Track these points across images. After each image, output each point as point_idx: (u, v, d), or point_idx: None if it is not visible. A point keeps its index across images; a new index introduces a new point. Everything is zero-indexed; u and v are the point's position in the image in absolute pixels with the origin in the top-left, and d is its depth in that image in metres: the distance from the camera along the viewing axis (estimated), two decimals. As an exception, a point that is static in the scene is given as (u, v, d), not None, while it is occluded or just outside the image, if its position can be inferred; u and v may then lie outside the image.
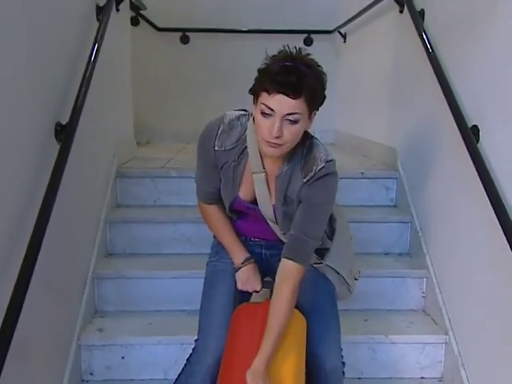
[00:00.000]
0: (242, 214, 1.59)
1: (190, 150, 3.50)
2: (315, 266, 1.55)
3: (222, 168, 1.48)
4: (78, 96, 1.74)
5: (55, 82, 1.71)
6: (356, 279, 1.67)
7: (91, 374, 1.94)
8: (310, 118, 1.34)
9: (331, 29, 3.93)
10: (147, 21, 3.83)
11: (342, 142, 3.83)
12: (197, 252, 2.30)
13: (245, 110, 1.49)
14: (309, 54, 1.32)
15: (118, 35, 2.65)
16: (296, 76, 1.24)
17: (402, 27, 2.62)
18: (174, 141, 3.91)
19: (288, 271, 1.40)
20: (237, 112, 1.48)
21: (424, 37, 2.16)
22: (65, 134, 1.64)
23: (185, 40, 4.05)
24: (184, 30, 4.02)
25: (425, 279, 2.19)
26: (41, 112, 1.59)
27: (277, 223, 1.50)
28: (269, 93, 1.26)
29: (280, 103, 1.25)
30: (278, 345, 1.32)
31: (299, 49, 1.32)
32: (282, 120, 1.27)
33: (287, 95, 1.24)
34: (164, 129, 4.06)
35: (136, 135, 3.40)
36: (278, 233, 1.54)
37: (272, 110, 1.26)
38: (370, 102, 3.25)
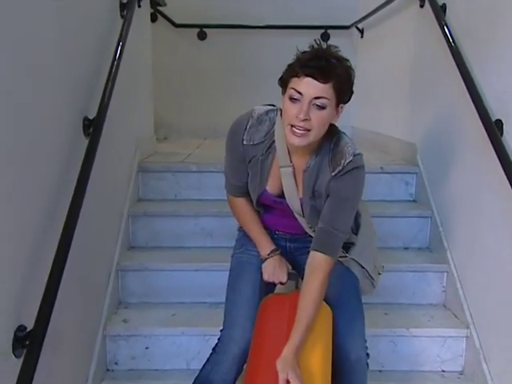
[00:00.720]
0: (269, 208, 1.62)
1: (208, 146, 3.55)
2: (340, 259, 1.57)
3: (250, 162, 1.50)
4: (104, 91, 1.78)
5: (82, 78, 1.74)
6: (380, 274, 1.69)
7: (116, 363, 1.99)
8: (337, 110, 1.36)
9: (348, 24, 3.93)
10: (165, 17, 3.87)
11: (359, 138, 3.80)
12: (218, 245, 2.34)
13: (273, 105, 1.52)
14: (338, 50, 1.35)
15: (140, 31, 2.68)
16: (326, 62, 1.28)
17: (422, 22, 2.61)
18: (191, 137, 3.94)
19: (317, 263, 1.42)
20: (265, 107, 1.51)
21: (446, 31, 2.16)
22: (92, 128, 1.67)
23: (202, 36, 4.07)
24: (201, 26, 4.04)
25: (445, 274, 2.20)
26: (69, 107, 1.63)
27: (304, 217, 1.52)
28: (298, 76, 1.29)
29: (308, 86, 1.29)
30: (307, 335, 1.35)
31: (329, 45, 1.35)
32: (310, 104, 1.30)
33: (316, 79, 1.28)
34: (181, 125, 4.08)
35: (154, 131, 3.44)
36: (305, 226, 1.56)
37: (300, 93, 1.29)
38: (388, 97, 3.25)
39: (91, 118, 1.73)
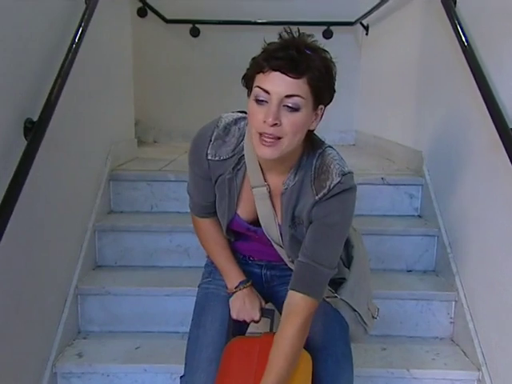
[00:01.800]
0: (241, 236, 1.37)
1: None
2: (328, 299, 1.31)
3: (216, 181, 1.25)
4: (52, 88, 1.53)
5: (27, 74, 1.51)
6: (374, 318, 1.43)
7: (69, 404, 1.74)
8: (316, 112, 1.10)
9: (352, 20, 3.70)
10: (155, 12, 3.68)
11: (362, 143, 3.60)
12: (195, 265, 2.07)
13: (244, 112, 1.24)
14: (315, 40, 1.09)
15: (116, 24, 2.45)
16: (297, 52, 1.03)
17: (430, 16, 2.38)
18: (182, 140, 3.71)
19: (295, 305, 1.17)
20: (234, 114, 1.25)
21: (457, 26, 1.91)
22: (33, 132, 1.43)
23: (195, 32, 3.85)
24: (194, 22, 3.81)
25: (453, 303, 1.94)
26: (8, 107, 1.39)
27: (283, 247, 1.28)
28: (264, 71, 1.04)
29: (277, 82, 1.04)
30: None
31: (302, 33, 1.09)
32: (280, 105, 1.05)
33: (285, 73, 1.03)
34: (172, 127, 3.88)
35: (142, 134, 3.24)
36: (286, 259, 1.31)
37: (267, 92, 1.04)
38: (394, 99, 3.02)
39: (35, 120, 1.48)
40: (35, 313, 1.61)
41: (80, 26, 1.76)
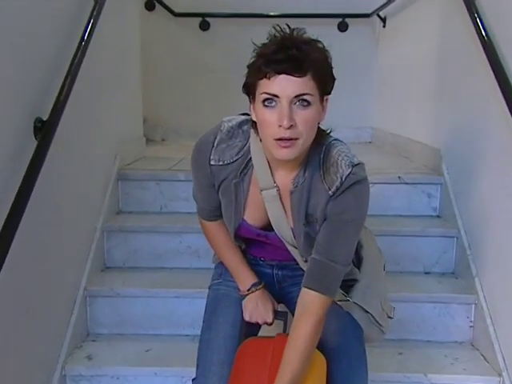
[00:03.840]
0: (252, 242, 1.42)
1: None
2: (339, 303, 1.35)
3: (220, 187, 1.30)
4: (61, 88, 1.59)
5: (37, 73, 1.58)
6: (390, 317, 1.46)
7: (78, 407, 1.81)
8: (323, 105, 1.15)
9: (369, 12, 3.73)
10: (163, 5, 3.73)
11: (379, 140, 3.63)
12: (205, 267, 2.11)
13: (247, 114, 1.28)
14: (304, 32, 1.14)
15: (124, 19, 2.52)
16: (297, 50, 1.08)
17: (450, 9, 2.40)
18: (191, 138, 3.69)
19: (309, 303, 1.21)
20: (237, 118, 1.29)
21: (477, 20, 1.94)
22: (43, 131, 1.49)
23: (204, 26, 3.90)
24: (204, 15, 3.86)
25: (473, 306, 1.98)
26: (18, 106, 1.46)
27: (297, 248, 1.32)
28: (268, 77, 1.09)
29: (284, 85, 1.08)
30: None
31: (293, 29, 1.14)
32: (291, 105, 1.09)
33: (291, 74, 1.08)
34: (181, 125, 3.92)
35: (149, 132, 3.30)
36: (300, 260, 1.35)
37: (276, 96, 1.09)
38: (412, 95, 3.05)
39: (45, 119, 1.55)
40: (45, 315, 1.67)
41: (89, 23, 1.83)
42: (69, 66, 1.67)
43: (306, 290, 1.22)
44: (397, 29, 3.46)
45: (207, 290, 1.85)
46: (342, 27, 3.82)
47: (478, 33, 1.93)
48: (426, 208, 2.38)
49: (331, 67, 1.15)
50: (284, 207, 1.27)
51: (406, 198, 2.37)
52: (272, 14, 3.81)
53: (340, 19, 3.80)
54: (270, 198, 1.25)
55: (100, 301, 1.99)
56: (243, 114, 1.30)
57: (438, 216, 2.37)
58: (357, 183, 1.19)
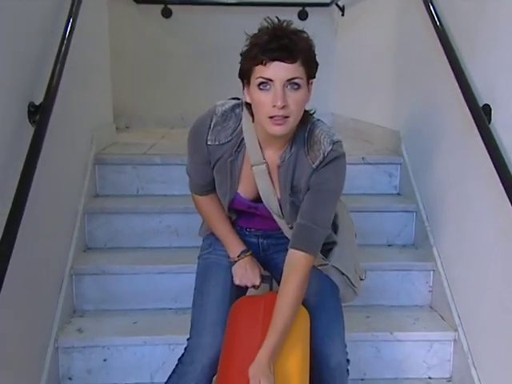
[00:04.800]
0: (242, 213, 1.61)
1: (174, 136, 3.50)
2: (319, 267, 1.56)
3: (215, 164, 1.49)
4: (53, 73, 1.72)
5: (27, 59, 1.69)
6: (362, 279, 1.69)
7: (70, 378, 1.95)
8: (309, 87, 1.36)
9: (328, 1, 3.94)
10: (125, -8, 3.80)
11: (340, 125, 3.83)
12: (185, 245, 2.31)
13: (237, 99, 1.50)
14: (291, 23, 1.34)
15: (94, 7, 2.62)
16: (288, 39, 1.28)
17: (407, -2, 2.62)
18: (156, 126, 3.89)
19: (296, 261, 1.42)
20: (230, 102, 1.49)
21: (431, 8, 2.16)
22: (39, 115, 1.62)
23: (167, 13, 4.01)
24: (166, 2, 3.97)
25: (432, 272, 2.22)
26: (13, 91, 1.58)
27: (283, 218, 1.52)
28: (263, 63, 1.28)
29: (278, 70, 1.28)
30: (283, 339, 1.34)
31: (283, 21, 1.34)
32: (284, 88, 1.29)
33: (283, 61, 1.27)
34: (145, 112, 4.02)
35: (114, 119, 3.38)
36: (285, 229, 1.55)
37: (270, 79, 1.29)
38: (370, 81, 3.26)
39: (38, 103, 1.67)
40: (36, 294, 1.79)
41: (71, 11, 1.95)
42: (57, 53, 1.80)
43: (293, 250, 1.42)
44: (355, 17, 3.66)
45: (188, 266, 2.04)
46: (303, 16, 4.01)
47: (432, 21, 2.14)
48: (388, 186, 2.62)
49: (315, 54, 1.36)
50: (272, 181, 1.47)
51: (370, 178, 2.61)
52: (234, 2, 3.97)
53: (300, 8, 3.98)
54: (259, 173, 1.45)
55: (86, 278, 2.12)
56: (233, 99, 1.49)
57: (399, 193, 2.62)
58: (336, 158, 1.41)
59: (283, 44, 1.27)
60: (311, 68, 1.34)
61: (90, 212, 2.31)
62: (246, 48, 1.34)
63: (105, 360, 1.95)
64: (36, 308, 1.80)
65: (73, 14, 1.95)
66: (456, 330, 2.01)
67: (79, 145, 2.35)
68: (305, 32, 1.35)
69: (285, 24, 1.32)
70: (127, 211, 2.34)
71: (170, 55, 4.03)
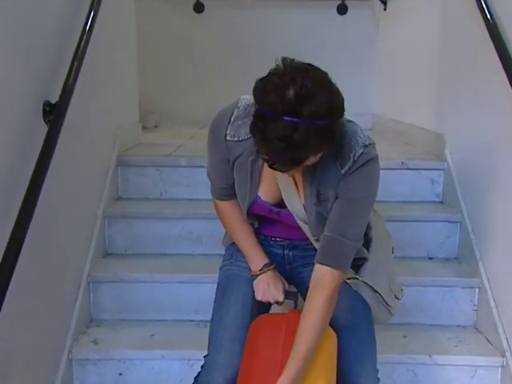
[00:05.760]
0: (264, 219, 1.54)
1: (203, 136, 3.40)
2: (348, 281, 1.48)
3: (234, 163, 1.41)
4: (69, 72, 1.69)
5: (44, 56, 1.67)
6: (398, 299, 1.59)
7: (84, 392, 1.92)
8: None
9: (370, -7, 3.85)
10: (156, -13, 3.80)
11: (380, 127, 3.75)
12: (208, 253, 2.27)
13: None
14: (309, 65, 1.17)
15: (118, 2, 2.60)
16: (293, 148, 1.11)
17: (453, -9, 2.52)
18: (185, 125, 3.86)
19: (323, 277, 1.33)
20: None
21: (482, 2, 2.05)
22: (54, 114, 1.59)
23: (199, 8, 3.99)
24: (198, -3, 3.95)
25: (477, 289, 2.11)
26: (27, 89, 1.55)
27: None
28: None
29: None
30: (307, 364, 1.27)
31: (295, 66, 1.15)
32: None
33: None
34: (175, 111, 4.01)
35: (142, 118, 3.37)
36: (310, 237, 1.47)
37: None
38: (414, 80, 3.17)
39: (53, 102, 1.64)
40: (51, 302, 1.78)
41: (91, 6, 1.92)
42: (75, 51, 1.77)
43: (319, 265, 1.34)
44: (398, 12, 3.57)
45: (211, 275, 1.98)
46: (342, 10, 3.92)
47: (482, 15, 2.03)
48: (430, 194, 2.51)
49: (341, 107, 1.16)
50: (296, 184, 1.38)
51: (410, 184, 2.50)
52: (268, -4, 3.91)
53: (339, 1, 3.89)
54: (283, 175, 1.36)
55: (104, 286, 2.10)
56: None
57: (441, 202, 2.50)
58: (368, 162, 1.30)
59: (286, 158, 1.13)
60: (329, 140, 1.17)
61: (111, 216, 2.29)
62: (257, 92, 1.16)
63: (120, 374, 1.91)
64: (51, 317, 1.78)
65: (93, 9, 1.92)
66: (504, 356, 1.89)
67: (100, 145, 2.33)
68: (326, 78, 1.15)
69: (299, 78, 1.10)
70: (149, 216, 2.30)
71: (202, 51, 4.01)
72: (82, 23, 1.88)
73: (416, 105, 3.11)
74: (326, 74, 1.15)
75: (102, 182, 2.31)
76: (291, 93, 1.09)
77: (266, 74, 1.16)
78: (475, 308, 2.11)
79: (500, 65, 1.89)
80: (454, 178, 2.41)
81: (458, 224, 2.31)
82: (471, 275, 2.14)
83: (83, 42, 1.79)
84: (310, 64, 1.17)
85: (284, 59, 1.15)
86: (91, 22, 1.88)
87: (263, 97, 1.13)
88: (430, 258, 2.33)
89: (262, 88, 1.14)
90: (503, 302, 1.97)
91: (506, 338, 1.91)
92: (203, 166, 2.37)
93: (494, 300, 2.01)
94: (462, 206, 2.31)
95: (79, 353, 1.90)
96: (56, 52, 1.75)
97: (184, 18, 4.00)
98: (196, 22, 4.01)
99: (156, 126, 3.97)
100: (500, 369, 1.91)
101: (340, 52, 3.87)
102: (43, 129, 1.61)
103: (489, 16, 2.01)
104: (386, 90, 3.74)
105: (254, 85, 1.17)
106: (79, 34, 1.84)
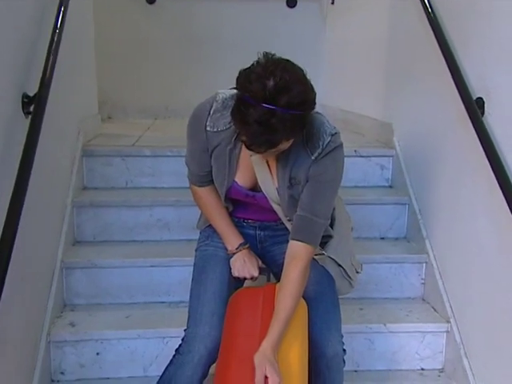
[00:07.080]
0: (239, 203, 1.69)
1: (160, 127, 3.55)
2: (316, 257, 1.65)
3: (213, 152, 1.56)
4: (46, 63, 1.78)
5: (19, 49, 1.74)
6: (358, 272, 1.79)
7: (62, 373, 2.01)
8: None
9: (317, -12, 4.00)
10: (107, -24, 3.81)
11: (330, 117, 3.75)
12: (176, 238, 2.40)
13: None
14: (287, 61, 1.34)
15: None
16: (271, 131, 1.28)
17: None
18: (139, 116, 3.90)
19: (297, 252, 1.50)
20: (231, 90, 1.55)
21: (425, 1, 2.25)
22: (34, 105, 1.68)
23: (151, -1, 4.02)
24: (149, -12, 3.98)
25: (424, 264, 2.33)
26: (7, 81, 1.63)
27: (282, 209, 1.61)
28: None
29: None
30: (286, 329, 1.43)
31: (276, 60, 1.32)
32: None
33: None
34: (128, 103, 4.00)
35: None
36: (283, 217, 1.64)
37: None
38: (361, 72, 3.34)
39: (31, 94, 1.73)
40: (28, 287, 1.84)
41: (61, 1, 2.00)
42: (49, 45, 1.86)
43: (294, 241, 1.51)
44: (345, 6, 3.72)
45: (180, 259, 2.13)
46: (291, 3, 4.03)
47: (425, 12, 2.22)
48: (380, 179, 2.72)
49: (313, 93, 1.34)
50: (270, 169, 1.55)
51: (362, 170, 2.71)
52: (219, -12, 4.01)
53: (288, -5, 4.07)
54: (258, 161, 1.53)
55: (77, 272, 2.19)
56: (235, 88, 1.56)
57: (391, 186, 2.72)
58: (335, 149, 1.49)
59: (264, 141, 1.30)
60: (299, 130, 1.37)
61: (79, 205, 2.37)
62: (241, 80, 1.32)
63: (98, 354, 2.02)
64: (28, 302, 1.85)
65: (63, 1, 2.00)
66: (448, 322, 2.12)
67: (67, 136, 2.41)
68: (300, 71, 1.33)
69: (277, 70, 1.27)
70: (117, 204, 2.40)
71: (155, 43, 4.01)
72: (53, 17, 1.96)
73: (365, 95, 3.28)
74: (302, 70, 1.33)
75: (69, 172, 2.39)
76: (271, 83, 1.26)
77: (249, 65, 1.33)
78: (423, 281, 2.34)
79: (442, 57, 2.08)
80: (402, 164, 2.62)
81: (406, 206, 2.53)
82: (419, 252, 2.36)
83: (57, 34, 1.87)
84: (288, 60, 1.34)
85: (266, 54, 1.33)
86: (63, 14, 1.95)
87: (246, 85, 1.29)
88: (382, 238, 2.54)
89: (246, 77, 1.30)
90: (447, 275, 2.20)
91: (451, 307, 2.14)
92: (167, 156, 2.55)
93: (440, 273, 2.24)
94: (410, 190, 2.52)
95: (57, 335, 1.99)
96: (31, 44, 1.82)
97: (137, 9, 3.99)
98: (149, 12, 4.01)
99: (109, 117, 3.96)
100: (445, 334, 2.14)
101: (290, 44, 3.97)
102: (22, 120, 1.70)
103: (431, 13, 2.20)
104: (336, 81, 3.85)
105: (236, 74, 1.33)
106: (51, 27, 1.92)
